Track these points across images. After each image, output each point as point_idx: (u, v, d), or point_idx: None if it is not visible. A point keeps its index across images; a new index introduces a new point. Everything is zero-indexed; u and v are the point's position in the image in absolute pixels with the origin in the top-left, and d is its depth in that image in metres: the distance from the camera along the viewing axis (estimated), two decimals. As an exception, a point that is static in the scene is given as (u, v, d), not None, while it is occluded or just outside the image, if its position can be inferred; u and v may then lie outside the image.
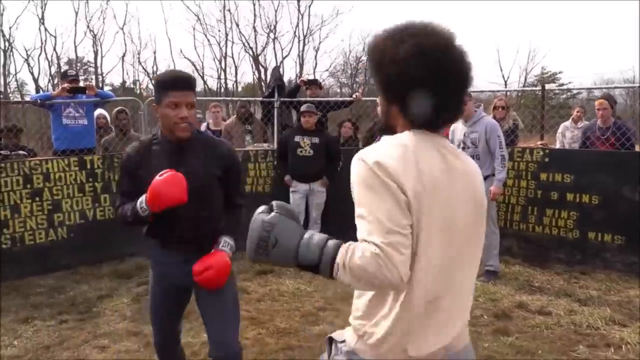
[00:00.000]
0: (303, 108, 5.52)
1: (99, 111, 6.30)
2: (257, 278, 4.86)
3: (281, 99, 6.06)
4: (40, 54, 25.82)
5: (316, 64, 29.66)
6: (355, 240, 1.18)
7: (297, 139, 5.47)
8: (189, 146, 2.19)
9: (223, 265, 2.15)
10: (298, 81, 6.72)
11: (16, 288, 4.58)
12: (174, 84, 2.09)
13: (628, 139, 4.95)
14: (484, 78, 27.30)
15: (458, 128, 4.84)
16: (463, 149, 4.71)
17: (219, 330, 2.23)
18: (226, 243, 2.23)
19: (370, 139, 6.39)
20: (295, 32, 28.68)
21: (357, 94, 6.69)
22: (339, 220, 5.79)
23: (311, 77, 7.00)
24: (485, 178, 4.60)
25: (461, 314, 1.34)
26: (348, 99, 6.68)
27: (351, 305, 4.28)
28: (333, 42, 49.92)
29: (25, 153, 5.57)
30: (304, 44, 29.05)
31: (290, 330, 3.68)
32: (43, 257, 4.99)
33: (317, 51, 29.77)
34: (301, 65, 29.23)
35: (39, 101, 5.50)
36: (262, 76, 28.46)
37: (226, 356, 2.22)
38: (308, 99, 6.31)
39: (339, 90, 29.94)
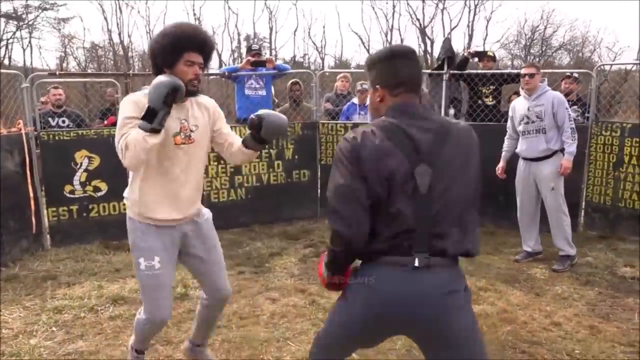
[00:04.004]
0: None
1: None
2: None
3: (450, 72, 5.88)
4: (224, 31, 28.43)
5: (487, 34, 28.07)
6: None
7: None
8: None
9: None
10: (465, 53, 6.43)
11: (203, 239, 5.23)
12: None
13: None
14: None
15: (519, 103, 4.59)
16: (526, 124, 4.45)
17: None
18: None
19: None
20: (465, 2, 27.34)
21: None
22: None
23: (480, 49, 6.66)
24: (554, 153, 4.36)
25: None
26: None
27: (514, 287, 4.10)
28: (506, 10, 46.43)
29: (213, 120, 6.22)
30: (475, 14, 27.61)
31: (449, 306, 3.65)
32: (225, 214, 5.58)
33: (488, 21, 28.17)
34: (470, 37, 27.88)
35: (226, 73, 6.10)
36: (429, 49, 27.80)
37: None
38: (479, 71, 6.04)
39: (510, 63, 27.99)
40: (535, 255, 4.64)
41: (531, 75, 4.38)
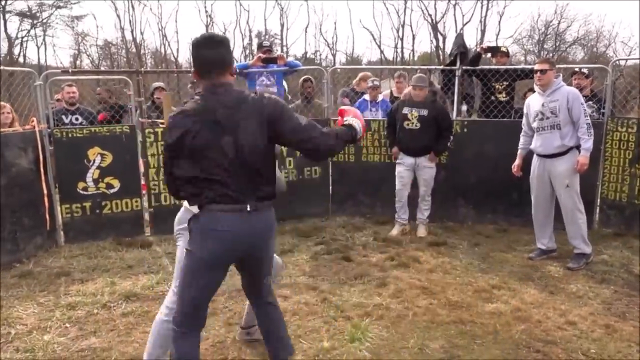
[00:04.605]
0: (413, 81, 5.29)
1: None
2: (430, 249, 4.85)
3: (463, 67, 5.82)
4: (235, 28, 28.47)
5: (499, 30, 27.90)
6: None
7: (405, 110, 5.23)
8: None
9: None
10: (478, 48, 6.35)
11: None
12: None
13: None
14: None
15: (534, 99, 4.52)
16: (541, 120, 4.36)
17: None
18: None
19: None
20: (478, -4, 27.12)
21: (548, 61, 6.08)
22: (452, 197, 5.64)
23: (493, 45, 6.57)
24: (569, 150, 4.29)
25: None
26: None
27: (528, 285, 4.04)
28: (520, 5, 45.90)
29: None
30: (487, 9, 27.39)
31: (462, 304, 3.62)
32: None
33: (501, 16, 27.92)
34: (482, 32, 27.69)
35: (237, 70, 6.08)
36: (440, 44, 27.62)
37: None
38: (492, 67, 5.98)
39: (523, 58, 27.73)
40: (550, 253, 4.59)
41: (543, 71, 4.31)
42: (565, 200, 4.37)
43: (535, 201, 4.58)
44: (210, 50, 2.12)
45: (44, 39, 27.04)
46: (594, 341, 3.10)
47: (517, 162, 4.68)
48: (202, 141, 2.07)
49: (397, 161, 5.39)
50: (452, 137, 5.38)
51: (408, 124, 5.20)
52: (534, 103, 4.49)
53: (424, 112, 5.15)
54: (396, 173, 5.39)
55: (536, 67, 4.40)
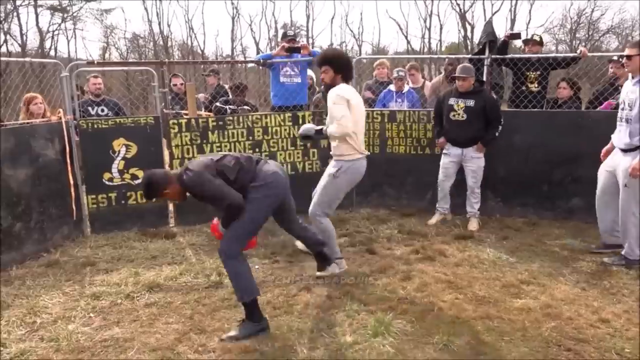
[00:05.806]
0: (457, 72, 5.14)
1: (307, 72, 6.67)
2: (456, 242, 4.74)
3: (492, 56, 5.65)
4: (261, 20, 28.48)
5: (530, 18, 27.24)
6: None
7: (451, 101, 5.12)
8: None
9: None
10: (503, 37, 6.12)
11: (238, 227, 5.21)
12: None
13: None
14: None
15: (626, 85, 4.13)
16: (622, 109, 4.03)
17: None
18: None
19: (595, 101, 5.61)
20: (508, -15, 26.47)
21: (582, 49, 5.84)
22: (504, 188, 5.46)
23: (515, 32, 6.34)
24: (635, 149, 3.86)
25: None
26: (570, 54, 5.91)
27: (559, 281, 3.97)
28: (551, -7, 44.65)
29: (249, 108, 6.19)
30: (518, -3, 26.72)
31: (489, 300, 3.52)
32: (260, 203, 5.56)
33: (532, 4, 27.20)
34: (512, 21, 27.08)
35: (261, 60, 6.02)
36: (468, 34, 27.12)
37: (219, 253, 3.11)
38: (523, 55, 5.79)
39: (554, 48, 27.03)
40: (614, 248, 4.28)
41: (629, 57, 3.91)
42: (621, 199, 4.05)
43: (598, 191, 4.30)
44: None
45: (74, 32, 27.54)
46: (628, 340, 2.97)
47: (608, 146, 4.30)
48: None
49: (444, 152, 5.30)
50: (500, 127, 5.19)
51: (454, 115, 5.11)
52: (623, 90, 4.14)
53: (471, 103, 5.05)
54: (441, 164, 5.29)
55: (625, 52, 4.03)
